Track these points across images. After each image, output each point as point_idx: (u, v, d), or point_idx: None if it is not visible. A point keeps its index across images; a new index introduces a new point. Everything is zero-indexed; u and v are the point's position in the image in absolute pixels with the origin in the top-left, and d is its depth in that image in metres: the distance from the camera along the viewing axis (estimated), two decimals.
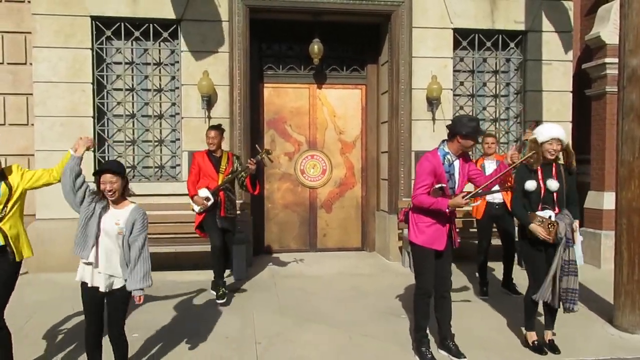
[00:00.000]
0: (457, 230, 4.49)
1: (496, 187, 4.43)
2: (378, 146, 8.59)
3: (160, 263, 7.35)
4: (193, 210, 6.02)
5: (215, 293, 5.87)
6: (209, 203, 5.88)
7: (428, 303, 4.37)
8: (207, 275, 6.98)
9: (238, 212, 6.54)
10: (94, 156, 7.38)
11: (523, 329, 4.71)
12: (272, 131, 8.51)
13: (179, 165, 7.70)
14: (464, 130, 4.11)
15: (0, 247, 3.70)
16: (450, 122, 4.36)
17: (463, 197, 4.06)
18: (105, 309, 3.69)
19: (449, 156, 4.22)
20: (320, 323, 5.14)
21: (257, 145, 6.58)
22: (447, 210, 4.12)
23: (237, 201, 7.45)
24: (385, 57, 8.23)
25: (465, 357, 4.32)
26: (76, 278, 3.66)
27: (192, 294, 6.19)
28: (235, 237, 6.33)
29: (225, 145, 7.53)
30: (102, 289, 3.60)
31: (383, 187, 8.37)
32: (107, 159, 7.55)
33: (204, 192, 5.91)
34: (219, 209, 5.96)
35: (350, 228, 8.80)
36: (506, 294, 6.13)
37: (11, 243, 3.74)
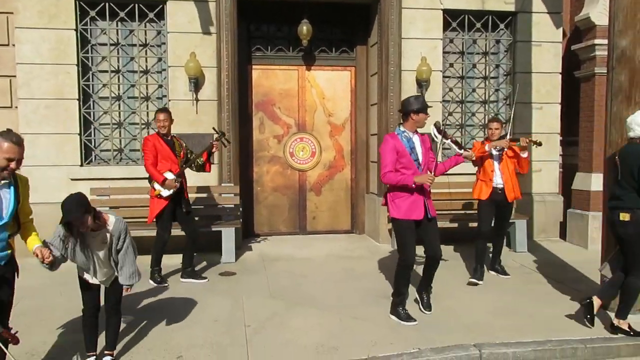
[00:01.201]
0: (432, 201, 4.92)
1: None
2: (367, 128, 8.57)
3: (147, 247, 7.32)
4: (159, 195, 5.83)
5: (153, 281, 5.95)
6: (177, 186, 5.86)
7: (409, 273, 4.84)
8: (195, 259, 6.99)
9: None
10: (80, 139, 7.30)
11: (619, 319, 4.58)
12: (260, 113, 8.44)
13: None
14: (414, 107, 4.70)
15: (9, 258, 3.43)
16: (401, 107, 4.86)
17: (429, 176, 4.57)
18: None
19: (405, 133, 4.74)
20: (311, 306, 5.15)
21: (214, 128, 6.55)
22: (413, 185, 4.59)
23: (224, 185, 7.47)
24: (374, 39, 8.17)
25: (430, 310, 4.97)
26: (79, 274, 3.89)
27: (178, 279, 6.17)
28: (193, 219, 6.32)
29: (213, 128, 7.50)
30: (104, 285, 3.96)
31: (372, 170, 8.36)
32: (93, 142, 7.47)
33: (170, 176, 5.85)
34: (184, 192, 6.03)
35: (340, 211, 8.80)
36: (494, 276, 6.18)
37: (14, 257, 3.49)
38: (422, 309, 5.02)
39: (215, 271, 6.49)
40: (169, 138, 6.00)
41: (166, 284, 5.90)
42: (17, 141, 3.23)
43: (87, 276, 3.88)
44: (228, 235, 6.96)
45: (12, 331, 3.30)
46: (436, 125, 4.94)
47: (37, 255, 3.40)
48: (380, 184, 7.96)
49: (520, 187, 6.14)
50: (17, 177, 3.38)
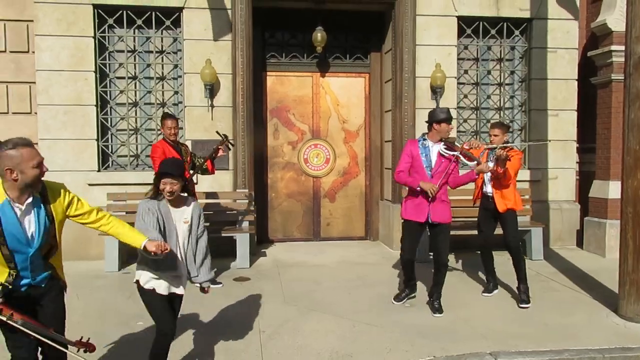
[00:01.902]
0: (440, 209, 5.05)
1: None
2: (382, 135, 8.55)
3: None
4: None
5: None
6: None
7: (408, 266, 5.31)
8: (214, 264, 7.00)
9: None
10: (97, 145, 7.38)
11: None
12: (275, 120, 8.47)
13: None
14: (436, 117, 4.98)
15: (50, 278, 3.05)
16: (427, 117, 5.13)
17: (433, 185, 4.86)
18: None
19: (425, 142, 5.04)
20: (325, 312, 5.14)
21: (217, 132, 6.54)
22: (417, 188, 4.95)
23: (238, 190, 7.50)
24: (388, 45, 8.17)
25: (441, 313, 5.05)
26: (145, 285, 3.45)
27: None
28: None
29: (229, 134, 7.54)
30: (180, 292, 3.60)
31: (387, 177, 8.34)
32: (110, 148, 7.54)
33: None
34: (193, 196, 6.03)
35: (354, 217, 8.78)
36: (511, 284, 6.11)
37: (59, 274, 3.12)
38: (432, 312, 5.12)
39: (229, 276, 6.50)
40: (175, 144, 6.01)
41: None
42: (29, 142, 2.88)
43: (163, 284, 3.46)
44: (242, 241, 6.97)
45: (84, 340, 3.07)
46: (446, 140, 5.02)
47: (152, 252, 3.08)
48: (395, 190, 7.94)
49: (518, 198, 5.53)
50: (46, 191, 2.94)
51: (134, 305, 5.32)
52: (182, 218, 3.52)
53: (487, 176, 5.56)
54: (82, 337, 3.08)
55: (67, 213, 3.04)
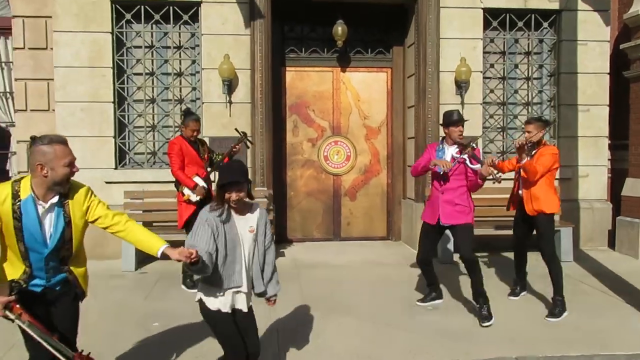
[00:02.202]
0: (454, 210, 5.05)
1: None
2: (404, 132, 8.49)
3: None
4: (188, 201, 5.83)
5: (185, 286, 5.96)
6: (205, 191, 5.86)
7: (423, 269, 5.39)
8: None
9: None
10: (115, 142, 7.45)
11: None
12: (294, 116, 8.46)
13: None
14: (444, 120, 5.12)
15: (65, 282, 3.06)
16: None
17: (446, 162, 4.92)
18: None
19: (442, 145, 5.16)
20: (345, 314, 5.12)
21: (236, 129, 6.45)
22: (431, 166, 5.04)
23: (256, 189, 7.49)
24: (411, 39, 8.10)
25: (489, 321, 4.82)
26: (210, 306, 3.21)
27: None
28: None
29: (248, 131, 7.56)
30: (245, 309, 3.31)
31: (409, 175, 8.24)
32: (127, 145, 7.60)
33: (199, 181, 5.84)
34: (211, 197, 5.87)
35: (376, 217, 8.73)
36: (541, 287, 6.00)
37: (79, 281, 3.12)
38: (480, 321, 4.88)
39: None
40: (193, 141, 5.99)
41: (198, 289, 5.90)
42: (64, 140, 2.89)
43: (227, 301, 3.21)
44: None
45: (84, 353, 3.06)
46: (459, 142, 5.01)
47: (177, 259, 2.88)
48: (418, 189, 7.87)
49: (551, 199, 5.18)
50: (69, 192, 2.93)
51: (150, 306, 5.36)
52: (247, 226, 3.24)
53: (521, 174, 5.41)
54: (82, 351, 3.06)
55: (86, 217, 2.99)
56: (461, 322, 4.93)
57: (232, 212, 3.20)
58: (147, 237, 3.04)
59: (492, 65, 8.17)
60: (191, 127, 5.90)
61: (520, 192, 5.35)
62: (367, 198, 8.71)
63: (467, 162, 4.96)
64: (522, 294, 5.71)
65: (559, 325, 4.85)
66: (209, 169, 6.05)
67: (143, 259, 7.09)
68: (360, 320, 4.98)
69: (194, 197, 5.81)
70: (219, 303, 3.21)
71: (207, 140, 7.48)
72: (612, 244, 8.06)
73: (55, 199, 2.86)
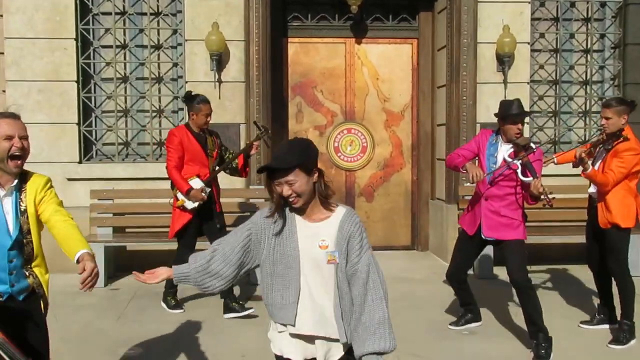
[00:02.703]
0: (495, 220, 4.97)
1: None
2: (433, 117, 8.50)
3: (161, 263, 7.40)
4: (182, 207, 5.71)
5: (165, 305, 5.97)
6: (205, 197, 5.68)
7: (454, 286, 5.41)
8: None
9: None
10: (79, 131, 7.50)
11: None
12: (298, 98, 8.50)
13: None
14: (500, 114, 4.93)
15: (29, 292, 3.22)
16: None
17: (478, 171, 4.85)
18: None
19: (497, 137, 5.03)
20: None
21: (255, 122, 6.35)
22: (461, 170, 5.14)
23: (252, 187, 7.51)
24: (442, 3, 8.11)
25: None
26: (273, 348, 2.82)
27: (201, 302, 6.28)
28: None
29: (241, 117, 7.58)
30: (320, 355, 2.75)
31: (439, 170, 8.29)
32: (94, 134, 7.66)
33: (197, 184, 5.67)
34: (214, 204, 5.89)
35: (398, 221, 8.76)
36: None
37: (43, 288, 3.30)
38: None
39: (242, 294, 6.56)
40: (201, 133, 5.82)
41: (182, 309, 5.99)
42: (15, 115, 3.17)
43: (288, 344, 2.76)
44: None
45: None
46: (516, 142, 4.82)
47: (88, 275, 2.90)
48: (449, 189, 7.89)
49: (629, 210, 5.03)
50: (27, 179, 3.15)
51: (123, 329, 5.41)
52: (317, 240, 2.72)
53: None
54: None
55: (36, 208, 3.14)
56: (504, 351, 4.94)
57: (296, 216, 2.78)
58: (70, 239, 3.11)
59: (542, 35, 8.17)
60: (204, 112, 5.70)
61: (591, 191, 5.23)
62: (387, 199, 8.73)
63: (519, 172, 4.76)
64: (601, 326, 5.49)
65: (623, 354, 4.86)
66: (215, 170, 5.89)
67: (114, 273, 7.15)
68: None
69: (189, 204, 5.67)
70: (283, 346, 2.78)
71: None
72: None
73: (14, 183, 3.09)
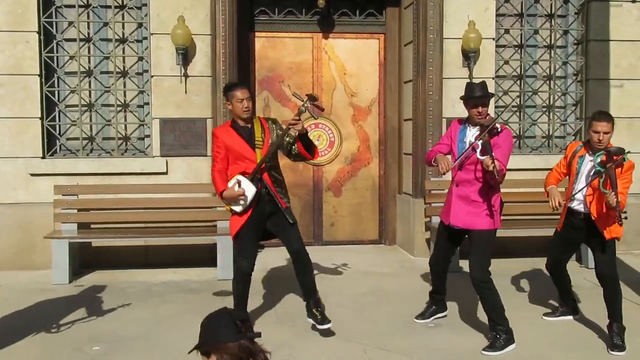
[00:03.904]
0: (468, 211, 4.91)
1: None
2: (400, 112, 8.55)
3: (127, 260, 7.40)
4: (232, 212, 5.10)
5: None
6: (250, 196, 4.96)
7: (433, 275, 5.46)
8: (185, 275, 7.07)
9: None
10: (42, 125, 7.39)
11: None
12: (265, 93, 8.48)
13: (148, 136, 7.69)
14: (464, 96, 4.97)
15: None
16: None
17: (448, 162, 4.84)
18: None
19: (465, 125, 5.04)
20: (328, 334, 5.17)
21: (294, 93, 5.57)
22: (433, 163, 5.07)
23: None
24: None
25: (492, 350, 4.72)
26: None
27: (167, 299, 6.24)
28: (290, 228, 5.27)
29: (207, 111, 7.55)
30: None
31: (406, 165, 8.35)
32: (58, 128, 7.56)
33: (234, 183, 5.00)
34: (276, 201, 5.10)
35: (365, 216, 8.80)
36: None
37: None
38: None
39: (208, 290, 6.53)
40: (249, 125, 5.14)
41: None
42: None
43: None
44: (224, 246, 6.98)
45: None
46: (481, 124, 4.77)
47: None
48: (416, 183, 7.96)
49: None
50: None
51: (90, 326, 5.36)
52: None
53: (581, 184, 4.98)
54: None
55: None
56: (470, 343, 5.00)
57: None
58: None
59: (507, 31, 8.27)
60: (237, 97, 5.01)
61: (574, 202, 5.06)
62: (354, 193, 8.76)
63: (478, 151, 4.64)
64: (565, 317, 5.60)
65: (585, 346, 4.95)
66: (263, 159, 5.03)
67: (79, 269, 7.07)
68: (347, 341, 5.03)
69: (236, 207, 5.04)
70: None
71: (157, 122, 7.48)
72: None
73: None
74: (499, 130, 4.74)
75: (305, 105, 5.04)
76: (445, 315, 5.54)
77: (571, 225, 5.19)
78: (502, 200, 5.00)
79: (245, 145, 5.04)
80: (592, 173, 4.89)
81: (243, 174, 5.00)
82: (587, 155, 4.99)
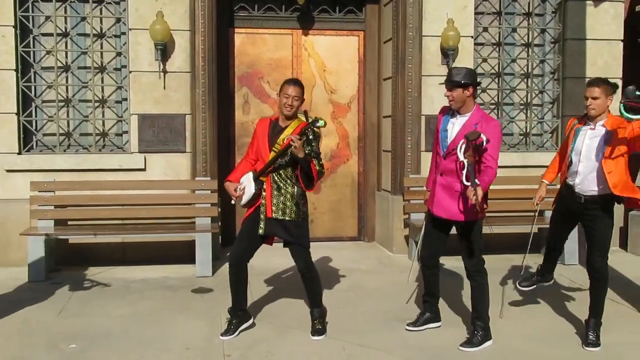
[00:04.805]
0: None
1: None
2: (379, 109, 8.57)
3: (105, 256, 7.35)
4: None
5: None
6: (245, 196, 4.95)
7: (424, 271, 5.20)
8: (163, 272, 7.03)
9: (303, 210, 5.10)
10: (18, 121, 7.31)
11: None
12: (245, 89, 8.45)
13: (126, 132, 7.64)
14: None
15: None
16: None
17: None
18: None
19: (450, 111, 4.92)
20: (307, 330, 5.17)
21: (306, 111, 5.11)
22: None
23: (198, 179, 7.25)
24: None
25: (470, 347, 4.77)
26: None
27: (146, 296, 6.20)
28: (300, 247, 5.16)
29: (186, 107, 7.52)
30: None
31: (385, 161, 8.37)
32: (34, 124, 7.48)
33: (245, 179, 4.99)
34: (264, 206, 4.95)
35: (344, 212, 8.82)
36: (536, 296, 6.18)
37: None
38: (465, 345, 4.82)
39: (187, 287, 6.51)
40: (284, 125, 5.01)
41: (227, 337, 5.03)
42: None
43: None
44: (203, 243, 6.97)
45: None
46: (466, 136, 4.61)
47: None
48: (395, 180, 7.98)
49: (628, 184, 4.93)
50: None
51: (66, 324, 5.32)
52: None
53: (582, 150, 4.91)
54: None
55: None
56: (449, 339, 5.03)
57: None
58: None
59: (485, 29, 8.33)
60: (285, 92, 4.90)
61: (571, 173, 5.02)
62: (333, 190, 8.78)
63: (464, 172, 4.58)
64: (543, 284, 5.63)
65: (563, 340, 5.01)
66: (272, 162, 4.91)
67: (55, 266, 7.01)
68: (326, 338, 5.05)
69: (232, 201, 5.14)
70: None
71: (135, 118, 7.43)
72: (624, 244, 8.36)
73: None
74: (484, 144, 4.57)
75: (307, 130, 4.85)
76: (440, 326, 5.27)
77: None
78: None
79: (266, 143, 4.96)
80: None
81: (254, 171, 4.97)
82: (582, 127, 4.98)
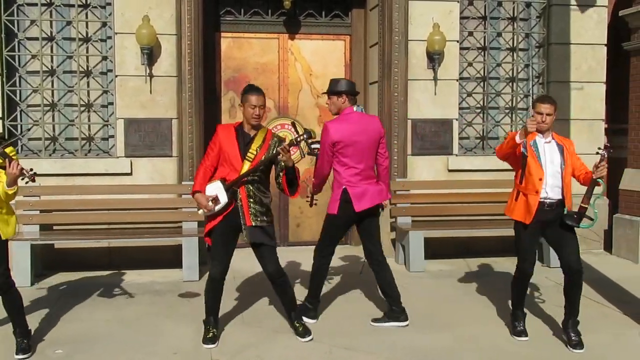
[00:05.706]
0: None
1: None
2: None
3: (90, 261, 7.32)
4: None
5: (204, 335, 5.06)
6: (217, 207, 4.86)
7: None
8: (150, 277, 7.02)
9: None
10: (3, 125, 7.27)
11: None
12: (231, 93, 8.46)
13: (112, 136, 7.62)
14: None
15: None
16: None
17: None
18: None
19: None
20: (293, 334, 5.19)
21: (294, 122, 5.38)
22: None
23: (185, 183, 7.31)
24: (374, 0, 8.21)
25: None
26: None
27: (132, 300, 6.19)
28: (268, 246, 5.11)
29: (172, 112, 7.51)
30: None
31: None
32: (19, 127, 7.45)
33: (213, 188, 4.89)
34: (243, 216, 4.93)
35: None
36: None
37: None
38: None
39: (174, 292, 6.50)
40: (252, 133, 5.01)
41: (212, 345, 4.98)
42: None
43: None
44: (190, 247, 6.96)
45: None
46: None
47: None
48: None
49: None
50: None
51: (52, 329, 5.29)
52: None
53: (553, 171, 5.02)
54: None
55: None
56: (438, 341, 5.07)
57: None
58: None
59: (470, 34, 8.38)
60: (250, 102, 4.88)
61: (545, 189, 5.00)
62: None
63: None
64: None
65: (548, 341, 5.06)
66: (245, 174, 4.90)
67: (41, 271, 6.97)
68: (313, 341, 5.06)
69: (199, 211, 5.05)
70: None
71: (121, 122, 7.42)
72: (608, 247, 8.42)
73: None
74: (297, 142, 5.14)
75: (298, 139, 4.99)
76: (406, 325, 5.40)
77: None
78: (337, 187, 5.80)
79: (237, 152, 4.90)
80: None
81: (223, 180, 4.88)
82: (537, 137, 5.06)
